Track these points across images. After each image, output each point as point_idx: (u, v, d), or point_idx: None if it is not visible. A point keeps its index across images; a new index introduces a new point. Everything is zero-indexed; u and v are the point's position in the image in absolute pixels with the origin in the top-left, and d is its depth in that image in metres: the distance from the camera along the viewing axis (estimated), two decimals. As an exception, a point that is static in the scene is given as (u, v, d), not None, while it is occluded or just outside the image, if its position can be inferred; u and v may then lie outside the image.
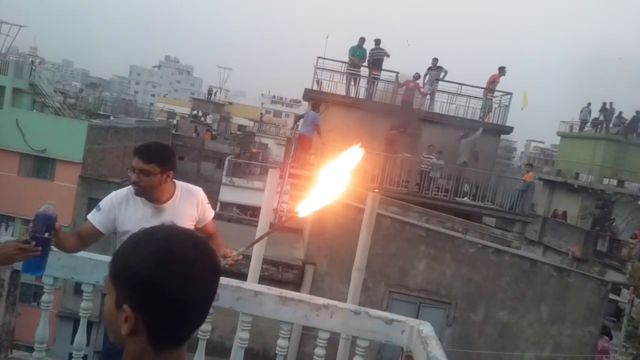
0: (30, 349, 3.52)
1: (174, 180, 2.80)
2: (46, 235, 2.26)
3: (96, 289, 3.29)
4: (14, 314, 3.54)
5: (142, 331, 1.03)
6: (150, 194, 2.71)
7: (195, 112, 45.66)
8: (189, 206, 2.81)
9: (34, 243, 2.21)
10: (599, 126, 31.79)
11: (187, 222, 2.76)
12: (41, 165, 21.61)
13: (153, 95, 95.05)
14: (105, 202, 2.78)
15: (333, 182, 2.58)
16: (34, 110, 25.04)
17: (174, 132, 35.76)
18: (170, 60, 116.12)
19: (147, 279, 1.00)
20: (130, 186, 2.75)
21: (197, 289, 1.03)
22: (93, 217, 2.74)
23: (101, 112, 36.47)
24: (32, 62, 29.23)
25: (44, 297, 3.40)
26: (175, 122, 42.25)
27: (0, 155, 21.05)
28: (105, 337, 2.76)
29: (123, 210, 2.72)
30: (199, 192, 2.91)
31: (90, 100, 41.21)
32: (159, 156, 2.69)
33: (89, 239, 2.73)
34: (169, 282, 1.00)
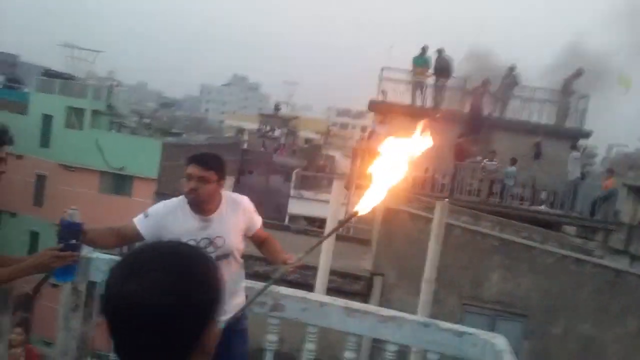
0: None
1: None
2: (73, 241, 2.36)
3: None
4: (92, 324, 3.63)
5: None
6: (205, 204, 2.65)
7: (263, 127, 46.52)
8: (235, 216, 2.75)
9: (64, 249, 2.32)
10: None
11: (234, 232, 2.71)
12: (119, 182, 22.69)
13: (223, 113, 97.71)
14: (154, 210, 2.74)
15: (390, 170, 2.36)
16: (112, 131, 26.30)
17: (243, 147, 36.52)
18: (238, 78, 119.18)
19: None
20: (181, 197, 2.71)
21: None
22: (139, 222, 2.68)
23: (174, 131, 37.79)
24: (110, 85, 30.80)
25: None
26: (245, 137, 43.21)
27: (82, 173, 22.31)
28: None
29: (171, 221, 2.65)
30: (244, 200, 2.84)
31: (164, 120, 42.89)
32: (216, 163, 2.67)
33: (128, 240, 2.74)
34: None
